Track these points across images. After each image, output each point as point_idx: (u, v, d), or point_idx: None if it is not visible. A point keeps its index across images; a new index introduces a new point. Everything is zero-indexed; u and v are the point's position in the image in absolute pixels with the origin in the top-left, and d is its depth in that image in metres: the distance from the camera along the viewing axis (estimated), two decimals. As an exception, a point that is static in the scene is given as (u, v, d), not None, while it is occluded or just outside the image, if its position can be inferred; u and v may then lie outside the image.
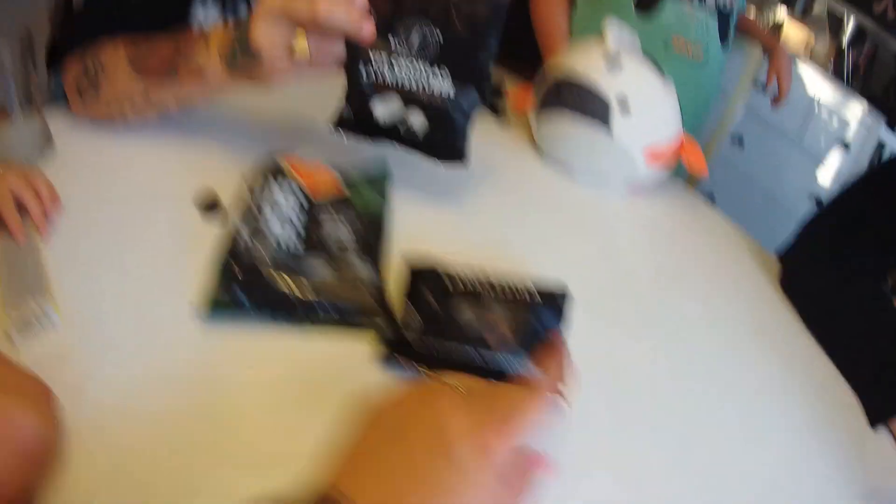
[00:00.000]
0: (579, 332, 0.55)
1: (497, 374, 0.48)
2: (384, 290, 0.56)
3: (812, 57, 2.22)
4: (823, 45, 2.23)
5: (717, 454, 0.55)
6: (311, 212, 0.60)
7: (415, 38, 0.58)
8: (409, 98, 0.60)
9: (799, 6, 2.27)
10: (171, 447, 0.41)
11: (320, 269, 0.55)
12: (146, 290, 0.52)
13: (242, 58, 0.65)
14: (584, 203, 0.84)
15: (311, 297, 0.52)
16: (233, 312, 0.51)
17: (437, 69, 0.60)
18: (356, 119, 0.61)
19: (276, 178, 0.61)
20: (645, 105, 0.80)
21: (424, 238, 0.66)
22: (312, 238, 0.58)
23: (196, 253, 0.56)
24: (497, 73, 1.07)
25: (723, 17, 1.18)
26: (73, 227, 0.57)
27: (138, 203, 0.62)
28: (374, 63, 0.60)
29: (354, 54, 0.59)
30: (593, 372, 0.54)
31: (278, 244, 0.55)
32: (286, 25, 0.63)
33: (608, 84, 0.80)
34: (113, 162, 0.69)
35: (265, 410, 0.46)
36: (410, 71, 0.60)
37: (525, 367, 0.47)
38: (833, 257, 0.76)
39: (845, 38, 2.17)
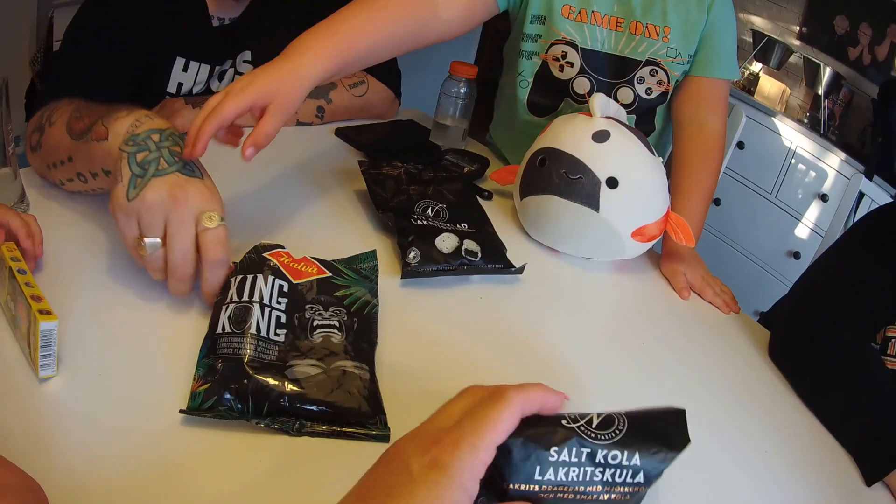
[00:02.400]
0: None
1: None
2: (378, 391, 0.54)
3: (787, 110, 2.27)
4: (799, 96, 2.28)
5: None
6: (293, 295, 0.58)
7: (429, 212, 0.79)
8: (460, 233, 0.76)
9: (774, 59, 2.33)
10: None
11: (306, 366, 0.53)
12: (127, 385, 0.50)
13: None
14: (569, 279, 0.84)
15: (296, 392, 0.50)
16: (213, 407, 0.49)
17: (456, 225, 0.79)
18: (423, 258, 0.71)
19: (260, 271, 0.58)
20: (635, 185, 0.79)
21: (412, 329, 0.65)
22: (295, 325, 0.56)
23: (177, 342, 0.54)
24: (482, 153, 1.07)
25: (642, 112, 1.07)
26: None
27: (111, 277, 0.59)
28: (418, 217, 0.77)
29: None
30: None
31: (258, 332, 0.53)
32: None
33: (597, 161, 0.79)
34: (85, 233, 0.64)
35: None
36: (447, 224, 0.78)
37: None
38: (820, 323, 0.76)
39: (821, 87, 2.21)
